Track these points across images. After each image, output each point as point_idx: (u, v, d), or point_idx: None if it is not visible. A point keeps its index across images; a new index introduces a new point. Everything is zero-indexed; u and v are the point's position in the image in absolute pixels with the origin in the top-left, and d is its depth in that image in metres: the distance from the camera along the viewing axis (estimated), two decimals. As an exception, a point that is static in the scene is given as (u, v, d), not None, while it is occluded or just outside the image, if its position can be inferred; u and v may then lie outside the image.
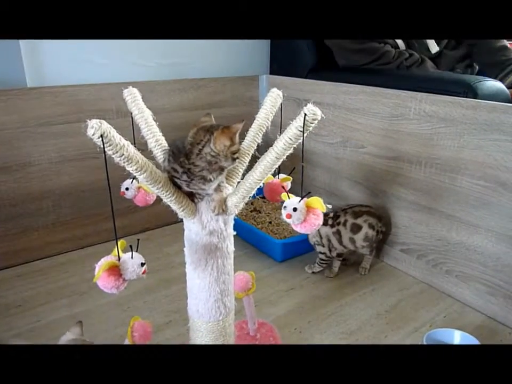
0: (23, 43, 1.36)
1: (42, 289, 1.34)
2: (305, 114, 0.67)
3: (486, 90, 1.26)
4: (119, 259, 0.67)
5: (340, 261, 1.45)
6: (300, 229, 0.71)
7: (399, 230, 1.45)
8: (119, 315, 1.23)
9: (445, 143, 1.26)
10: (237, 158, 0.73)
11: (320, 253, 1.43)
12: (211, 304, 0.83)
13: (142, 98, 1.58)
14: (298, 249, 1.54)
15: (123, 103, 0.82)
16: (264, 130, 0.84)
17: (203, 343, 0.87)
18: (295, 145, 0.70)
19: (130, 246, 0.66)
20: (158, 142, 0.80)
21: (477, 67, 1.73)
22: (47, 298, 1.30)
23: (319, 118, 0.68)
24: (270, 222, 1.69)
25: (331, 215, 1.40)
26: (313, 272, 1.46)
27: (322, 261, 1.44)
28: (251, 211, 1.76)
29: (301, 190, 0.74)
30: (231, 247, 0.83)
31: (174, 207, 0.75)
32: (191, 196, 0.76)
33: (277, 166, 0.73)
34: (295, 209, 0.69)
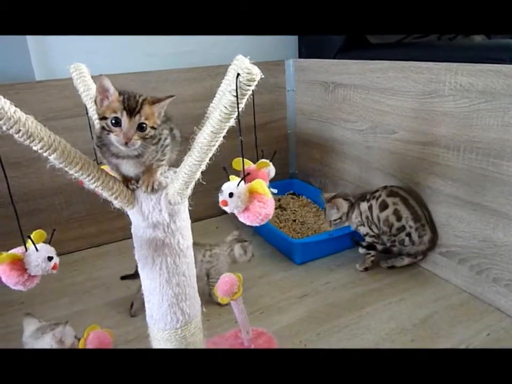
0: (29, 36, 1.34)
1: (47, 287, 1.31)
2: (238, 75, 0.53)
3: (542, 54, 1.01)
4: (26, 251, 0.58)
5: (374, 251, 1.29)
6: (243, 219, 0.57)
7: (437, 229, 1.23)
8: (115, 316, 1.16)
9: (486, 122, 1.03)
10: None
11: (364, 235, 1.30)
12: (165, 309, 0.72)
13: (154, 88, 1.53)
14: (320, 250, 1.37)
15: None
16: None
17: (162, 354, 0.75)
18: (234, 116, 0.56)
19: (29, 237, 0.56)
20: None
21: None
22: (50, 296, 1.26)
23: (257, 78, 0.53)
24: (294, 220, 1.54)
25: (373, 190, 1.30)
26: (366, 269, 1.30)
27: (369, 249, 1.28)
28: (276, 208, 1.61)
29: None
30: (185, 243, 0.70)
31: (105, 194, 0.64)
32: (126, 182, 0.65)
33: (217, 144, 0.59)
34: (231, 195, 0.55)
